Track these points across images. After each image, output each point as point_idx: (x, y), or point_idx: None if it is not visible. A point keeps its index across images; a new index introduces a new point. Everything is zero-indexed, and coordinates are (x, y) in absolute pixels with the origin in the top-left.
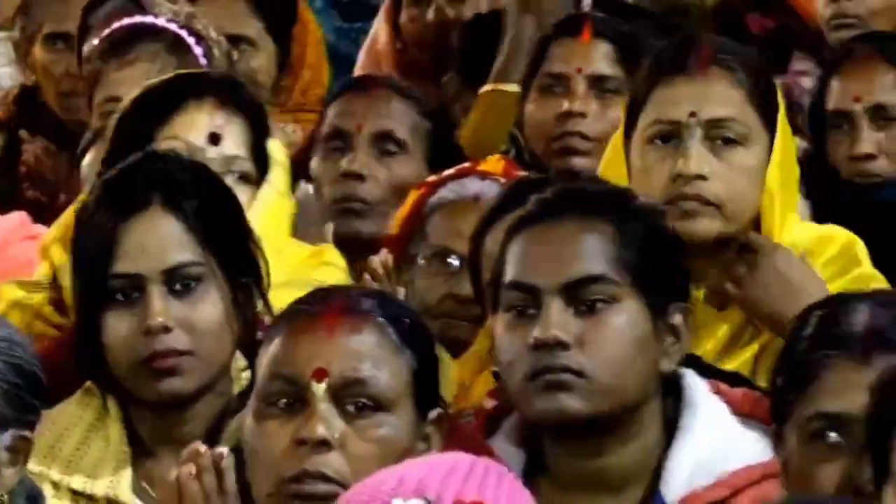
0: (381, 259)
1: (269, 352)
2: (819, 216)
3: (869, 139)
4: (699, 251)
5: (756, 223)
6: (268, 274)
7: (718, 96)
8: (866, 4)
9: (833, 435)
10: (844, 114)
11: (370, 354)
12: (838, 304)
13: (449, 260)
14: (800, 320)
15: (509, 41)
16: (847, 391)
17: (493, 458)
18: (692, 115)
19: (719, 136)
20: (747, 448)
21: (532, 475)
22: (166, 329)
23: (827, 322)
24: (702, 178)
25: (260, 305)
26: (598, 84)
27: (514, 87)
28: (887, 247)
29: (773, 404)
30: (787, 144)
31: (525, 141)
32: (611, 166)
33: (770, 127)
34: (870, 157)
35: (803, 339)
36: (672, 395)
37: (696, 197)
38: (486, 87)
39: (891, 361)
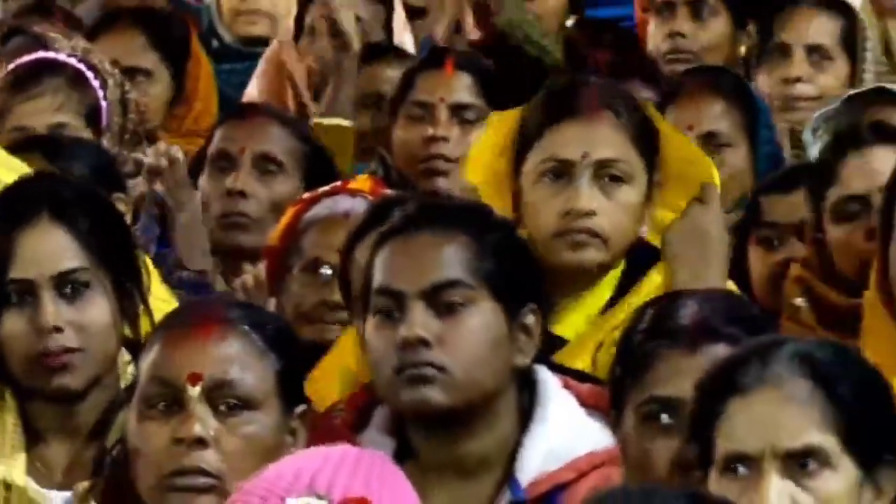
0: (253, 273)
1: (148, 358)
2: None
3: None
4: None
5: None
6: (148, 280)
7: (606, 138)
8: (699, 41)
9: (665, 417)
10: None
11: (237, 359)
12: (669, 301)
13: (321, 270)
14: (635, 316)
15: (334, 81)
16: (677, 377)
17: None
18: (584, 156)
19: (606, 174)
20: (592, 436)
21: (401, 461)
22: (57, 329)
23: (659, 316)
24: (591, 213)
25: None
26: (459, 112)
27: (337, 121)
28: None
29: (611, 392)
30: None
31: (393, 161)
32: (493, 192)
33: (649, 167)
34: None
35: (638, 333)
36: (527, 389)
37: (586, 230)
38: (314, 120)
39: (716, 350)
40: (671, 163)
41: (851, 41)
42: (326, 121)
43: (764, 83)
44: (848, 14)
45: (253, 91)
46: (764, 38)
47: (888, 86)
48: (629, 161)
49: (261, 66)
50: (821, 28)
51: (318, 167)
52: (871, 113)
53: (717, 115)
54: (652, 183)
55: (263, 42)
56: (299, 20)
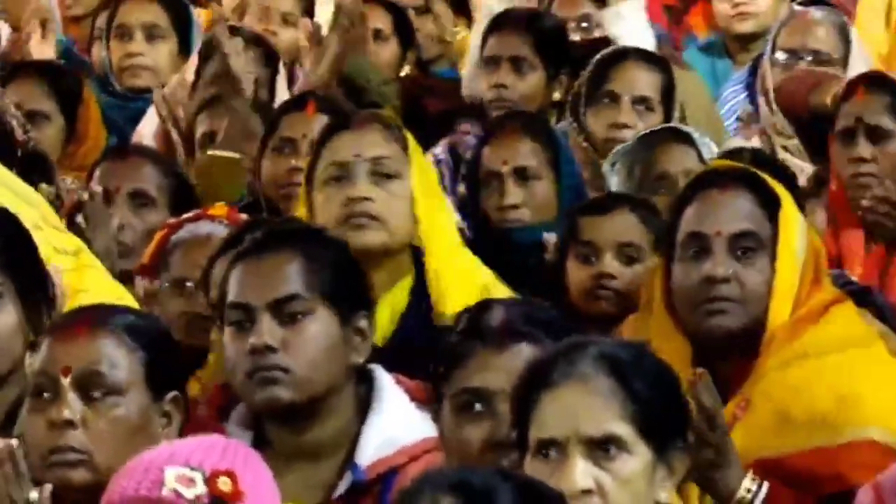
0: (145, 287)
1: (37, 356)
2: (477, 250)
3: (513, 193)
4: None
5: None
6: (54, 294)
7: (377, 140)
8: (518, 91)
9: (477, 405)
10: (495, 174)
11: (106, 353)
12: (480, 307)
13: (187, 285)
14: (455, 321)
15: (228, 119)
16: (487, 371)
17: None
18: (357, 156)
19: (379, 171)
20: (420, 426)
21: (258, 449)
22: None
23: (472, 320)
24: (368, 199)
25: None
26: None
27: (228, 154)
28: (521, 272)
29: (433, 387)
30: (423, 178)
31: (262, 189)
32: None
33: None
34: (514, 207)
35: (454, 334)
36: (364, 384)
37: (363, 213)
38: (208, 153)
39: (520, 348)
40: None
41: (669, 94)
42: (219, 153)
43: (593, 124)
44: (667, 70)
45: (144, 128)
46: (595, 86)
47: (678, 126)
48: (397, 159)
49: (151, 108)
50: (646, 81)
51: (184, 198)
52: (661, 150)
53: (526, 153)
54: None
55: (148, 91)
56: (199, 71)
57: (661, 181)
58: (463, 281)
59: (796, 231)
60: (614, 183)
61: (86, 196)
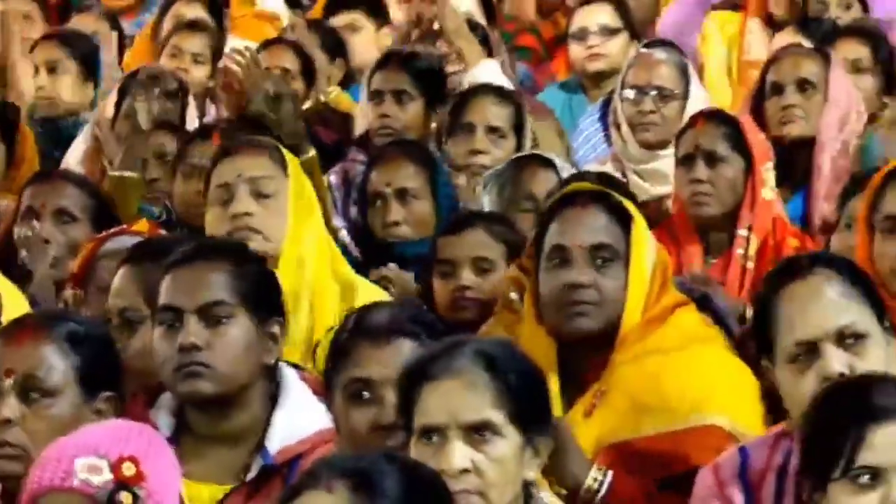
0: (72, 293)
1: None
2: (367, 263)
3: (395, 212)
4: None
5: None
6: None
7: (257, 163)
8: (400, 121)
9: (365, 393)
10: (379, 194)
11: (44, 359)
12: (366, 308)
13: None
14: (341, 322)
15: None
16: (373, 363)
17: (148, 424)
18: (238, 176)
19: (258, 190)
20: (322, 417)
21: (180, 433)
22: None
23: (359, 318)
24: (248, 214)
25: None
26: None
27: (128, 174)
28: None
29: (325, 380)
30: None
31: (175, 209)
32: None
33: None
34: (396, 224)
35: (343, 332)
36: (274, 380)
37: (245, 227)
38: (113, 173)
39: (402, 343)
40: None
41: (519, 124)
42: (118, 173)
43: (453, 151)
44: (517, 104)
45: (71, 154)
46: (455, 118)
47: (542, 153)
48: (274, 177)
49: (80, 135)
50: (497, 112)
51: (104, 215)
52: (527, 173)
53: (407, 175)
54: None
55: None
56: (118, 104)
57: (527, 201)
58: (321, 278)
59: (646, 244)
60: (486, 202)
61: (28, 232)
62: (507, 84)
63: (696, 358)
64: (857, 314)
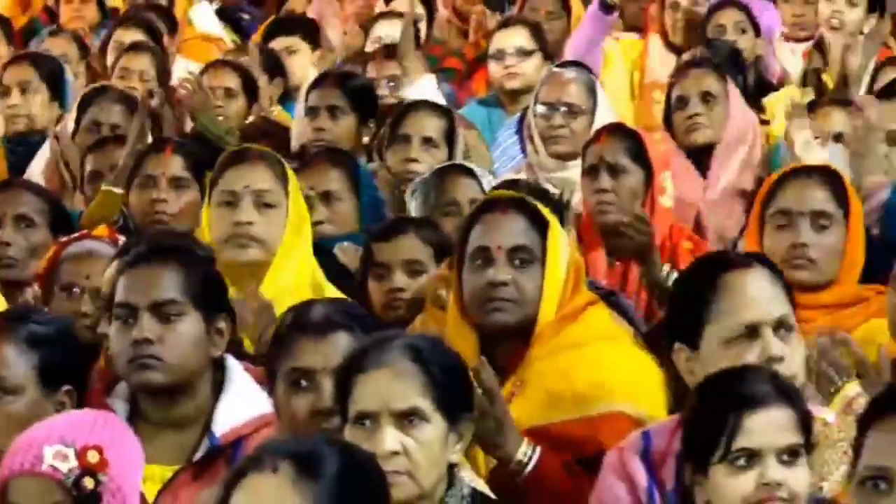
0: (33, 292)
1: None
2: None
3: (319, 212)
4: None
5: None
6: None
7: (264, 175)
8: (333, 134)
9: (303, 381)
10: (306, 197)
11: (5, 358)
12: (305, 304)
13: (74, 290)
14: (281, 317)
15: (125, 156)
16: (310, 354)
17: (108, 410)
18: (246, 187)
19: (261, 201)
20: (263, 403)
21: (134, 419)
22: None
23: (297, 314)
24: (251, 223)
25: None
26: (175, 182)
27: (119, 190)
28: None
29: (267, 370)
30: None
31: (132, 216)
32: None
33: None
34: (320, 223)
35: (284, 327)
36: (220, 370)
37: (246, 235)
38: (104, 187)
39: (338, 336)
40: None
41: (451, 135)
42: (105, 187)
43: (391, 160)
44: (450, 117)
45: (34, 167)
46: (393, 130)
47: (464, 162)
48: (276, 191)
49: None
50: (431, 124)
51: (61, 220)
52: (450, 181)
53: (331, 179)
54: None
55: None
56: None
57: (451, 206)
58: (299, 285)
59: (561, 247)
60: (414, 207)
61: None
62: (441, 99)
63: (604, 352)
64: (788, 308)
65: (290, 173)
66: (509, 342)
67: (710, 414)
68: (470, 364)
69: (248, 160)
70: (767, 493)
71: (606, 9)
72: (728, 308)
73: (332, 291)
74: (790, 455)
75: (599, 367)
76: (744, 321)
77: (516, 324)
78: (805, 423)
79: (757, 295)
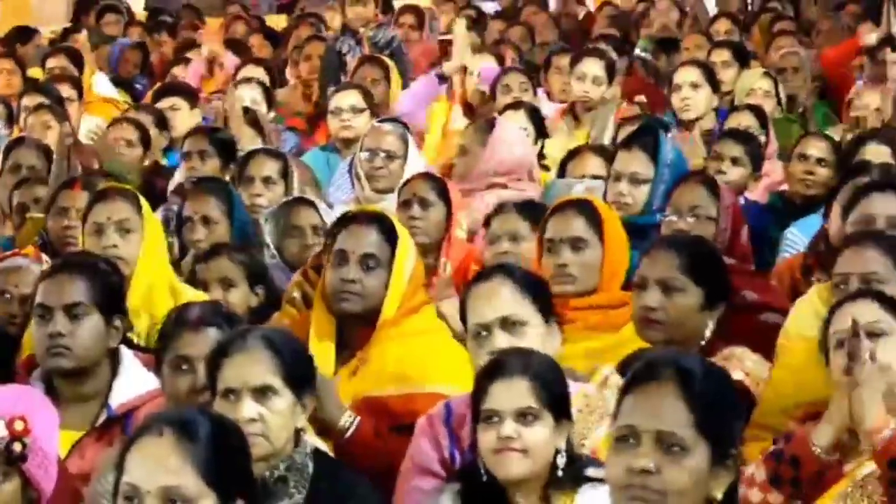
0: None
1: None
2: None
3: (198, 232)
4: None
5: None
6: None
7: (122, 207)
8: (203, 174)
9: (185, 366)
10: (189, 219)
11: None
12: (184, 306)
13: (6, 296)
14: (168, 316)
15: (52, 181)
16: (189, 345)
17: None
18: (108, 218)
19: (122, 227)
20: (151, 382)
21: (49, 395)
22: None
23: (179, 313)
24: (115, 246)
25: None
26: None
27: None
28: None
29: (155, 357)
30: (151, 233)
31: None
32: None
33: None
34: (199, 241)
35: (169, 323)
36: (115, 357)
37: (113, 256)
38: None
39: (210, 331)
40: None
41: (286, 173)
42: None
43: (244, 195)
44: (283, 158)
45: None
46: (240, 173)
47: (305, 196)
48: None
49: None
50: (269, 166)
51: None
52: (294, 211)
53: (209, 205)
54: None
55: None
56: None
57: (296, 230)
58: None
59: (407, 256)
60: (267, 231)
61: None
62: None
63: (428, 341)
64: (519, 307)
65: (145, 204)
66: (359, 328)
67: (476, 385)
68: (326, 342)
69: (110, 197)
70: (503, 445)
71: (441, 79)
72: (470, 312)
73: (188, 294)
74: (525, 416)
75: (424, 354)
76: (476, 322)
77: (361, 313)
78: (547, 392)
79: (487, 300)
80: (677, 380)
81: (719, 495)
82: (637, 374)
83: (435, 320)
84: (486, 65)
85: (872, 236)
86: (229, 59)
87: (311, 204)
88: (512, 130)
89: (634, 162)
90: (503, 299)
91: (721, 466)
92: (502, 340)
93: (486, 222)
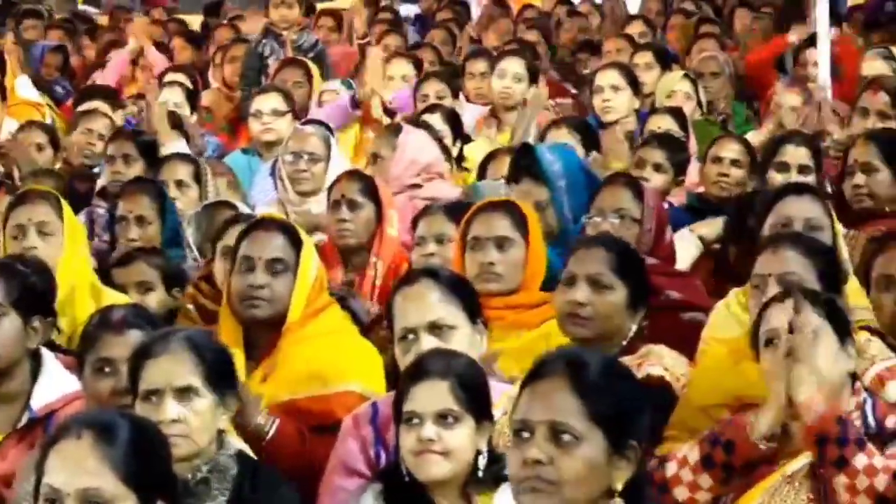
0: None
1: None
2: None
3: (133, 232)
4: None
5: None
6: None
7: (43, 210)
8: (127, 177)
9: (106, 368)
10: (124, 217)
11: None
12: (106, 308)
13: None
14: (90, 318)
15: None
16: (111, 347)
17: None
18: (29, 220)
19: (43, 230)
20: (70, 385)
21: None
22: None
23: (101, 316)
24: (35, 248)
25: None
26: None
27: None
28: None
29: (77, 359)
30: (71, 234)
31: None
32: None
33: None
34: (133, 240)
35: (91, 325)
36: (37, 359)
37: (32, 258)
38: None
39: (133, 333)
40: None
41: (199, 177)
42: None
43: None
44: (196, 163)
45: None
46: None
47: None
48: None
49: None
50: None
51: None
52: (214, 212)
53: (143, 205)
54: None
55: None
56: None
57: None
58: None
59: (311, 261)
60: (189, 233)
61: None
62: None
63: (337, 342)
64: (446, 311)
65: (66, 207)
66: (266, 333)
67: (397, 387)
68: (235, 349)
69: (31, 199)
70: (423, 447)
71: (354, 104)
72: (397, 316)
73: (110, 295)
74: (446, 418)
75: (334, 354)
76: (403, 326)
77: (269, 318)
78: (468, 393)
79: (414, 305)
80: (568, 372)
81: (619, 486)
82: (532, 371)
83: (340, 320)
84: (399, 93)
85: (790, 238)
86: (154, 55)
87: (232, 206)
88: (418, 134)
89: (528, 192)
90: (430, 303)
91: (621, 457)
92: (430, 344)
93: (414, 224)
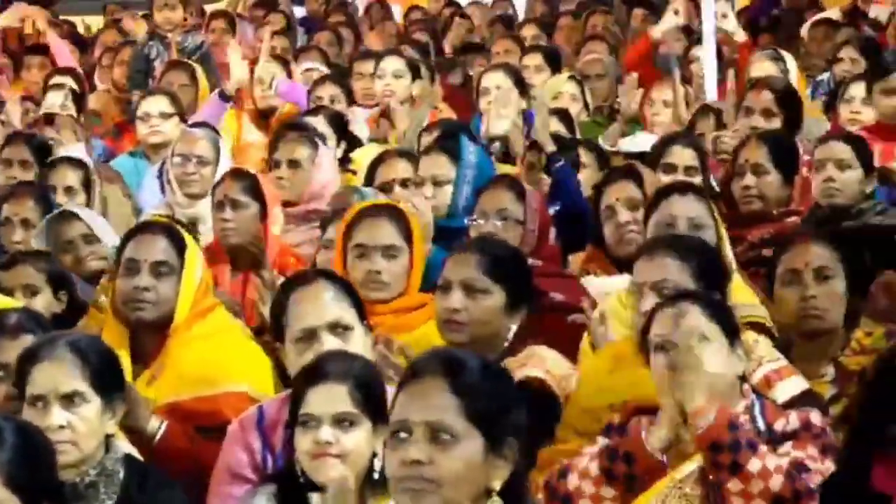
0: None
1: None
2: None
3: None
4: None
5: None
6: None
7: None
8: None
9: (1, 373)
10: None
11: None
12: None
13: None
14: None
15: None
16: (4, 352)
17: None
18: None
19: None
20: None
21: None
22: None
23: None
24: None
25: None
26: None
27: None
28: None
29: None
30: None
31: None
32: None
33: None
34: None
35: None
36: None
37: None
38: None
39: (26, 338)
40: None
41: (88, 183)
42: None
43: None
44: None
45: None
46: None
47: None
48: None
49: None
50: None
51: None
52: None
53: (30, 209)
54: None
55: None
56: None
57: (68, 244)
58: None
59: (196, 263)
60: (35, 245)
61: None
62: (84, 157)
63: (224, 343)
64: (344, 312)
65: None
66: (152, 335)
67: (293, 389)
68: (121, 352)
69: None
70: (320, 450)
71: (225, 98)
72: (294, 316)
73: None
74: (343, 421)
75: (221, 355)
76: (302, 327)
77: (155, 320)
78: (365, 396)
79: (313, 305)
80: (444, 372)
81: (497, 485)
82: (408, 371)
83: (225, 321)
84: (282, 78)
85: (665, 242)
86: (56, 40)
87: (75, 215)
88: (329, 155)
89: (435, 165)
90: (329, 304)
91: (498, 457)
92: (332, 344)
93: (323, 227)
